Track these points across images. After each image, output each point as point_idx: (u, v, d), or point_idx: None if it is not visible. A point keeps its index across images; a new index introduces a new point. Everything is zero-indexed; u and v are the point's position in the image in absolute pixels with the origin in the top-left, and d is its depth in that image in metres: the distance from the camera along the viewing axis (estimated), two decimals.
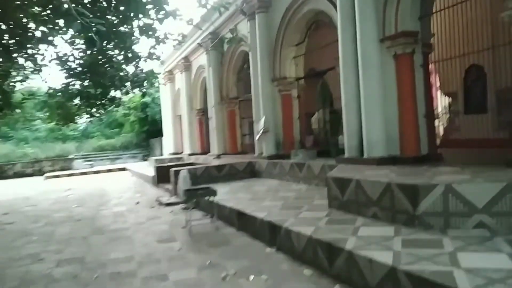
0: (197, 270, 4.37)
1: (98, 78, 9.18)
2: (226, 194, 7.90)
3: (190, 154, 17.97)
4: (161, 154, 25.10)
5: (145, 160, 26.57)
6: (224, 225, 6.41)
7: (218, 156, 14.28)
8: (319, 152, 9.47)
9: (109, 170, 21.68)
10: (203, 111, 18.04)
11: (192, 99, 18.27)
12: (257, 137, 10.62)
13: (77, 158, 24.38)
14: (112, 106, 11.37)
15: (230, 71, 14.12)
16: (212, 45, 14.05)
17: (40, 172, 21.86)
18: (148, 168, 17.97)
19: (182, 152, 20.51)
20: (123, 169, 21.83)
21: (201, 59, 16.40)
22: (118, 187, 13.81)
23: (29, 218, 8.57)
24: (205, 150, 17.86)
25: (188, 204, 8.71)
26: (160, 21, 7.10)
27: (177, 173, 10.20)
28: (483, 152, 6.73)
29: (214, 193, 6.31)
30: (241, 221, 6.07)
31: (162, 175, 12.82)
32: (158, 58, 9.11)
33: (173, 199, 9.37)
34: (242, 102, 14.68)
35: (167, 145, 23.14)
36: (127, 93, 10.97)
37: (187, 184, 9.37)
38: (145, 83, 10.03)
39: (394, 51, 6.50)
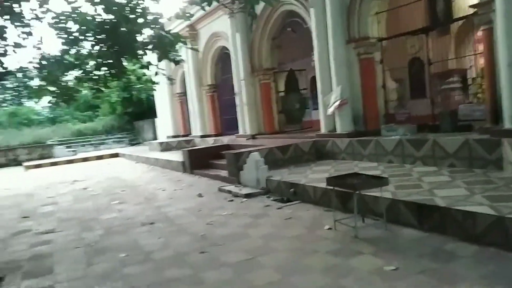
0: None
1: (110, 42, 6.84)
2: None
3: (202, 136, 15.85)
4: (154, 138, 22.61)
5: (133, 144, 23.99)
6: (385, 224, 4.61)
7: (253, 137, 12.37)
8: (418, 127, 7.88)
9: (99, 157, 18.98)
10: (215, 87, 15.94)
11: (201, 73, 16.02)
12: (329, 111, 8.80)
13: (56, 145, 21.28)
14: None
15: (264, 37, 12.10)
16: (240, 7, 11.82)
17: (16, 162, 18.80)
18: (153, 153, 15.67)
19: (188, 135, 18.27)
20: (116, 155, 19.20)
21: (216, 25, 14.20)
22: (136, 176, 11.52)
23: (68, 224, 6.35)
24: (220, 131, 15.85)
25: (274, 195, 6.87)
26: None
27: (238, 156, 8.28)
28: None
29: (386, 182, 4.50)
30: (428, 219, 4.34)
31: (197, 161, 10.78)
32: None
33: (245, 189, 7.43)
34: (278, 74, 12.79)
35: (163, 128, 20.72)
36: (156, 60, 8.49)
37: (264, 170, 7.54)
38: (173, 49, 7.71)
39: None
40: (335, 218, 4.75)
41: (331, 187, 4.80)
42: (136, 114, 25.23)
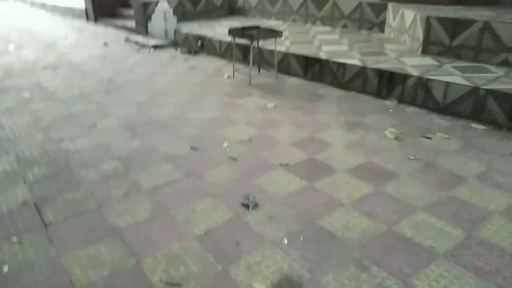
0: (344, 132, 3.52)
1: None
2: None
3: None
4: None
5: None
6: (275, 74, 5.30)
7: None
8: None
9: None
10: None
11: None
12: None
13: None
14: None
15: None
16: None
17: None
18: None
19: None
20: None
21: None
22: (33, 21, 10.51)
23: None
24: None
25: (182, 47, 7.08)
26: None
27: (146, 6, 8.00)
28: None
29: (279, 35, 4.95)
30: (311, 69, 5.06)
31: (102, 9, 10.10)
32: None
33: (153, 41, 7.45)
34: None
35: None
36: None
37: (172, 22, 7.54)
38: None
39: None
40: (234, 68, 5.26)
41: (233, 38, 5.15)
42: None
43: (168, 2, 7.91)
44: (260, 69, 5.44)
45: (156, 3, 7.72)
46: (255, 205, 2.47)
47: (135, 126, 3.72)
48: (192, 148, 3.25)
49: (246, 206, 2.46)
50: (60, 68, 5.80)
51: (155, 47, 7.09)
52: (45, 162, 3.04)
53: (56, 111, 4.11)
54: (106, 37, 8.20)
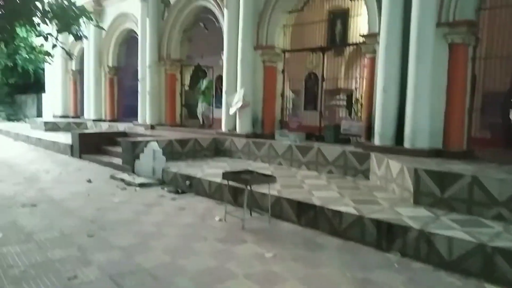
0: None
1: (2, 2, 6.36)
2: None
3: (95, 120, 15.04)
4: (39, 116, 20.53)
5: (12, 120, 21.45)
6: (269, 218, 5.14)
7: (152, 127, 12.18)
8: (307, 135, 8.76)
9: None
10: (116, 70, 15.28)
11: (102, 54, 15.21)
12: (231, 111, 9.21)
13: None
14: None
15: (175, 27, 12.06)
16: None
17: None
18: (35, 132, 14.28)
19: (78, 116, 17.11)
20: None
21: (125, 5, 13.74)
22: (15, 155, 10.43)
23: None
24: (116, 117, 15.23)
25: (169, 186, 6.98)
26: None
27: (135, 145, 8.16)
28: None
29: (274, 180, 4.98)
30: (305, 215, 4.95)
31: (88, 145, 10.24)
32: None
33: (139, 179, 7.36)
34: (185, 67, 12.79)
35: (50, 106, 18.96)
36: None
37: (161, 161, 7.61)
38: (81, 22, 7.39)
39: (451, 39, 6.20)
40: (226, 210, 5.11)
41: (226, 181, 5.13)
42: (19, 87, 22.50)
43: (157, 142, 8.12)
44: (252, 213, 5.29)
45: (146, 143, 7.90)
46: None
47: (121, 277, 3.31)
48: None
49: None
50: (40, 204, 5.47)
51: (142, 185, 6.96)
52: None
53: (31, 256, 3.67)
54: (90, 173, 8.08)
